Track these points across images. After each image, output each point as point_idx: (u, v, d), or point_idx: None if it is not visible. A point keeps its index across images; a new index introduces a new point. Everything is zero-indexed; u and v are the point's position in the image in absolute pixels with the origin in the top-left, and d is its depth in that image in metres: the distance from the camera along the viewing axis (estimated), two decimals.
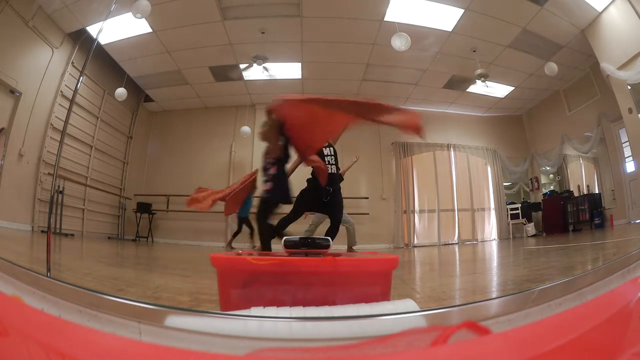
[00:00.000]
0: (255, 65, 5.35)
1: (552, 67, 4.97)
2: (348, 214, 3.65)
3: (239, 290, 0.94)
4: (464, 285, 1.81)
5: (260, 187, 2.33)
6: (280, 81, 5.82)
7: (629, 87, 4.41)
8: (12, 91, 4.00)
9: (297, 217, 2.67)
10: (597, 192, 5.88)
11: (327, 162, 2.71)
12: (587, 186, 6.16)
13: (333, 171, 2.74)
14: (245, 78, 5.77)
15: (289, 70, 5.66)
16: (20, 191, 4.09)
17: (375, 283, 0.98)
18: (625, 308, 0.59)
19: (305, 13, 4.53)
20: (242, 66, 5.53)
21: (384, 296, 0.96)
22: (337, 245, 3.82)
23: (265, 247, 2.19)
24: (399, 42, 4.18)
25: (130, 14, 3.82)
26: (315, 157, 2.37)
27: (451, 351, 0.45)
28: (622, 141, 5.16)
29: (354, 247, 3.82)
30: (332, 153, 2.79)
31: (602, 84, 5.00)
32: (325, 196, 2.64)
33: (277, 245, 1.59)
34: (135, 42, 4.92)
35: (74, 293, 0.80)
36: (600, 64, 4.65)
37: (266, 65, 5.39)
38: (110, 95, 5.45)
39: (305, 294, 0.92)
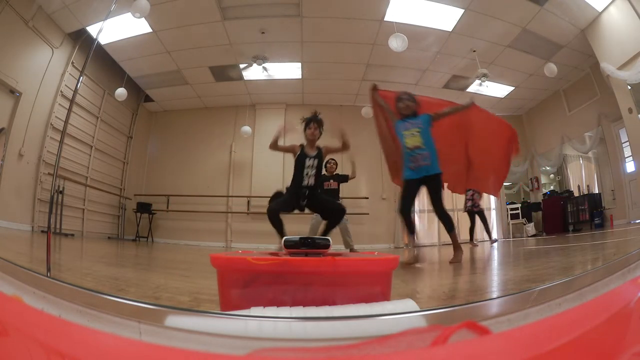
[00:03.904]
0: (255, 65, 5.34)
1: (551, 68, 4.97)
2: (348, 214, 3.65)
3: (239, 290, 0.94)
4: (464, 285, 1.81)
5: None
6: (280, 81, 5.82)
7: (629, 87, 4.40)
8: (12, 91, 4.00)
9: (285, 208, 2.71)
10: (597, 192, 5.87)
11: (305, 174, 2.70)
12: (587, 186, 6.15)
13: (311, 183, 2.70)
14: (245, 78, 5.77)
15: (289, 70, 5.66)
16: (20, 191, 4.08)
17: (375, 283, 0.98)
18: (625, 308, 0.59)
19: (305, 13, 4.53)
20: (242, 66, 5.53)
21: (384, 296, 0.96)
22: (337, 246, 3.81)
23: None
24: (396, 43, 4.18)
25: (130, 14, 3.82)
26: None
27: (451, 351, 0.44)
28: (622, 141, 5.16)
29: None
30: (314, 165, 2.72)
31: (602, 84, 4.99)
32: (302, 199, 2.72)
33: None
34: (135, 42, 4.92)
35: (74, 293, 0.80)
36: (600, 64, 4.65)
37: (266, 65, 5.39)
38: (110, 95, 5.44)
39: (305, 294, 0.92)
